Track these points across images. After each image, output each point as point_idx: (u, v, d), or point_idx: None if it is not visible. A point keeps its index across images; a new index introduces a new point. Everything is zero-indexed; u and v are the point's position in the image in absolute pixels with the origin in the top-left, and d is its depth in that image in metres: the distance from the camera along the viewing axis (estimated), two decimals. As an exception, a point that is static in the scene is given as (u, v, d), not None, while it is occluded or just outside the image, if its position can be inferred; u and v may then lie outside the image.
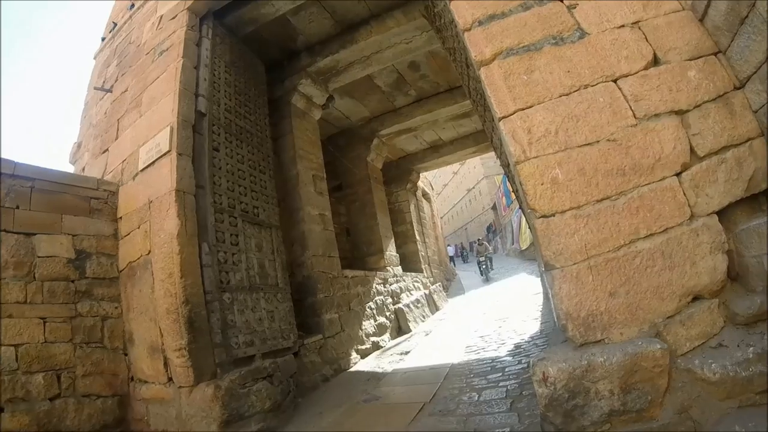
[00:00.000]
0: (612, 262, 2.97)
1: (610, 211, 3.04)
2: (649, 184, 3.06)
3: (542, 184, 3.18)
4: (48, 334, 4.75)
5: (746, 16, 2.83)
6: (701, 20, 3.32)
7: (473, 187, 48.80)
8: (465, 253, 37.50)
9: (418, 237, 15.45)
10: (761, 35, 2.74)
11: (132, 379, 5.24)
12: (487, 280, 19.11)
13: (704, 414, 2.61)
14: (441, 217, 33.90)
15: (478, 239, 25.16)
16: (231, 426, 4.36)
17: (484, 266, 20.00)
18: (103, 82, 7.47)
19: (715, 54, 3.26)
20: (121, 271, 5.53)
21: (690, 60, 3.27)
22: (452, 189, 55.32)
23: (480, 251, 20.78)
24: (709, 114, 3.13)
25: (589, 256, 3.01)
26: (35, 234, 4.97)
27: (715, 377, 2.57)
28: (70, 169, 7.70)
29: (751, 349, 2.57)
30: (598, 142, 3.18)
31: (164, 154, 5.10)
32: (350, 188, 12.45)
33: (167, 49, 5.92)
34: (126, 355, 5.31)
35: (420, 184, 17.27)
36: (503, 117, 3.41)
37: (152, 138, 5.37)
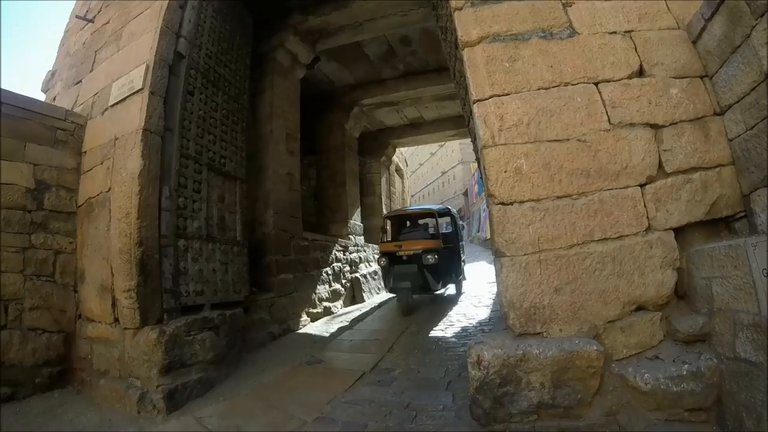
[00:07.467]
0: (562, 260, 3.03)
1: (568, 210, 3.09)
2: (611, 189, 3.12)
3: (505, 172, 3.21)
4: (-1, 262, 4.67)
5: (739, 46, 2.86)
6: (694, 42, 3.35)
7: (448, 171, 48.64)
8: None
9: (385, 211, 15.47)
10: (750, 67, 2.77)
11: (79, 317, 5.18)
12: None
13: (631, 421, 2.70)
14: (412, 195, 34.01)
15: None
16: (171, 372, 4.34)
17: None
18: (87, 11, 7.16)
19: (701, 77, 3.30)
20: (79, 207, 5.42)
21: (675, 78, 3.31)
22: (427, 169, 55.12)
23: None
24: (683, 133, 3.18)
25: (540, 250, 3.06)
26: (-3, 160, 4.83)
27: (646, 387, 2.66)
28: (41, 97, 7.43)
29: (686, 366, 2.66)
30: (568, 140, 3.21)
31: (136, 92, 4.94)
32: (324, 153, 12.34)
33: (155, -16, 5.67)
34: (76, 292, 5.24)
35: (395, 158, 17.21)
36: (478, 100, 3.42)
37: (127, 74, 5.18)
